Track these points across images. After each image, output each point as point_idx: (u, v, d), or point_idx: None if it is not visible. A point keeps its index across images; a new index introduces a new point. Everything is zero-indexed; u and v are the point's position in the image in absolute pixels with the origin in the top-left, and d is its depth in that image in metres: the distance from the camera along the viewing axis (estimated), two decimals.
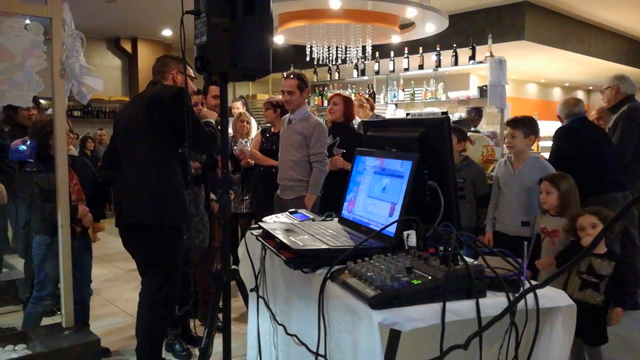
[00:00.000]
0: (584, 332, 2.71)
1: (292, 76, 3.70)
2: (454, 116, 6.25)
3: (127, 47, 11.14)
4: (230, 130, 5.06)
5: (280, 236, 1.65)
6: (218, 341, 2.11)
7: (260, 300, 1.99)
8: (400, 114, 7.28)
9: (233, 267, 2.08)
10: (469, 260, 1.45)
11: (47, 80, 3.07)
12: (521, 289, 1.37)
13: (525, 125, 3.30)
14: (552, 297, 1.38)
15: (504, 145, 3.67)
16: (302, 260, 1.52)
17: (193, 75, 2.91)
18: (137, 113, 2.76)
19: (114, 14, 8.95)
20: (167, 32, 10.46)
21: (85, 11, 8.49)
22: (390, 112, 7.49)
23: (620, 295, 2.67)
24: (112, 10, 8.52)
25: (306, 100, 3.91)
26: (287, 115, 3.85)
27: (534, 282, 1.41)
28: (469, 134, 4.65)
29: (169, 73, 2.88)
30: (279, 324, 1.80)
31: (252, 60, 1.96)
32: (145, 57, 11.03)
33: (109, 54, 11.19)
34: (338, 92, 5.28)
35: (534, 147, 6.69)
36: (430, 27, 6.00)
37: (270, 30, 2.06)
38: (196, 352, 3.24)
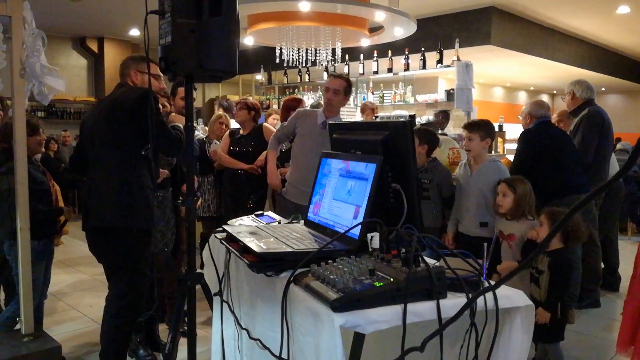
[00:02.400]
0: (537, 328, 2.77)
1: (339, 76, 3.51)
2: (422, 119, 6.33)
3: (93, 46, 10.91)
4: (198, 132, 5.00)
5: (244, 239, 1.63)
6: (183, 346, 2.07)
7: (225, 305, 1.97)
8: None
9: (198, 270, 2.05)
10: (430, 261, 1.46)
11: (7, 80, 2.99)
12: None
13: (481, 128, 3.36)
14: (511, 297, 1.41)
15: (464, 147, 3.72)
16: (266, 263, 1.51)
17: (160, 74, 2.86)
18: (102, 116, 2.71)
19: (79, 13, 8.76)
20: (134, 32, 10.29)
21: (50, 10, 8.28)
22: (360, 115, 7.55)
23: (551, 296, 2.69)
24: (77, 9, 8.33)
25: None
26: (315, 115, 3.55)
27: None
28: None
29: (127, 75, 2.83)
30: (243, 328, 1.79)
31: (218, 61, 1.92)
32: (112, 57, 10.83)
33: (74, 53, 10.95)
34: (294, 95, 5.33)
35: (499, 149, 6.86)
36: (398, 31, 6.06)
37: (237, 32, 2.04)
38: (161, 357, 3.18)
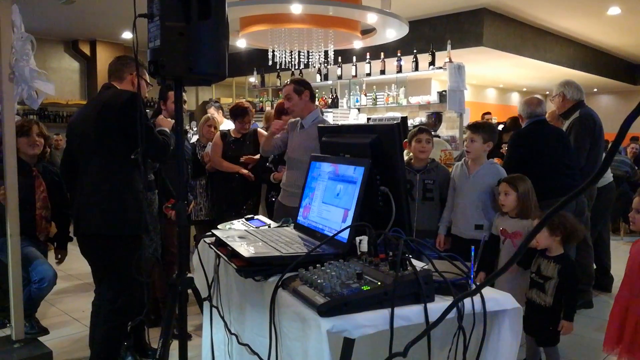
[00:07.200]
0: (534, 330, 2.78)
1: (288, 82, 3.59)
2: (415, 120, 6.33)
3: (86, 49, 10.86)
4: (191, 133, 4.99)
5: (232, 244, 1.63)
6: (175, 350, 2.06)
7: (214, 309, 1.96)
8: (363, 118, 7.34)
9: (189, 275, 2.04)
10: (419, 264, 1.46)
11: None
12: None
13: (485, 131, 3.35)
14: (499, 300, 1.41)
15: (464, 149, 3.70)
16: (254, 268, 1.50)
17: (149, 82, 2.86)
18: (90, 121, 2.69)
19: (71, 16, 8.71)
20: (126, 35, 10.26)
21: (42, 13, 8.22)
22: (353, 117, 7.55)
23: (567, 305, 2.69)
24: (69, 12, 8.27)
25: (315, 103, 3.62)
26: (297, 120, 3.63)
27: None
28: None
29: (127, 73, 2.83)
30: (232, 334, 1.78)
31: (207, 65, 1.91)
32: (105, 60, 10.76)
33: (66, 56, 10.90)
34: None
35: None
36: (391, 33, 6.06)
37: (226, 35, 2.03)
38: None
